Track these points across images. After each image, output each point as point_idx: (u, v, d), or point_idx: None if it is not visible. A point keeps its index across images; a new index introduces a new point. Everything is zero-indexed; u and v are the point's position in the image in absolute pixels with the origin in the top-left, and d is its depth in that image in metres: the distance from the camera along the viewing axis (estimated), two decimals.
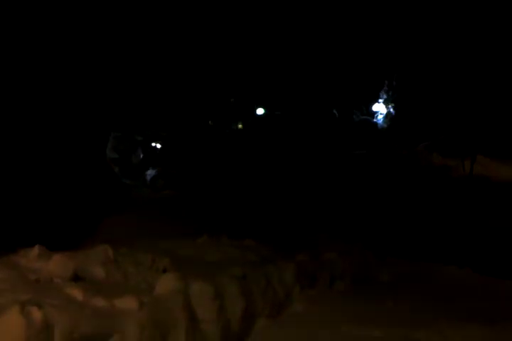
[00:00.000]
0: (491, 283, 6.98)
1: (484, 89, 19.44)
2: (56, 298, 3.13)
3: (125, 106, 15.91)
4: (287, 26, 21.09)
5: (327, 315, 5.09)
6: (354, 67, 21.42)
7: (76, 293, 3.27)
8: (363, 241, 8.84)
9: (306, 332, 4.59)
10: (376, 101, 23.05)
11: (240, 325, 4.30)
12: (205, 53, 20.44)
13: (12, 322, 2.65)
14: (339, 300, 5.78)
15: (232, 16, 20.20)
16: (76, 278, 3.66)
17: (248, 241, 6.69)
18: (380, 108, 23.06)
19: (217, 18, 19.73)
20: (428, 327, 4.66)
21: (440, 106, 20.04)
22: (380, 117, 23.07)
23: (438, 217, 12.84)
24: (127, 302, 3.33)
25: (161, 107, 19.80)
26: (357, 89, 22.28)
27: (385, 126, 22.83)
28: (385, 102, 22.89)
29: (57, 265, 3.68)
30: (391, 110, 22.90)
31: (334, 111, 23.35)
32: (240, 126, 25.39)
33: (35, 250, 3.89)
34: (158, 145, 20.93)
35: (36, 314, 2.76)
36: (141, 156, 19.95)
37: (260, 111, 24.66)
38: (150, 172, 18.89)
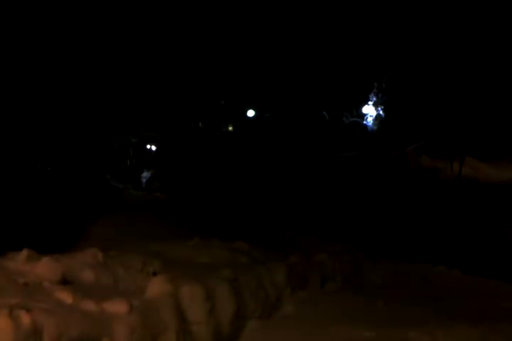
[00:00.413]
0: (480, 283, 7.04)
1: (473, 91, 19.63)
2: (45, 301, 3.10)
3: (118, 107, 15.87)
4: (278, 29, 21.16)
5: (318, 316, 5.10)
6: (344, 69, 21.54)
7: (65, 296, 3.24)
8: (354, 241, 8.88)
9: (297, 333, 4.59)
10: (366, 103, 23.20)
11: (230, 326, 4.29)
12: (195, 56, 20.44)
13: (0, 326, 2.63)
14: (330, 300, 5.79)
15: (221, 19, 20.24)
16: (65, 282, 3.63)
17: (239, 243, 6.68)
18: (369, 110, 23.21)
19: (206, 22, 19.75)
20: (418, 327, 4.69)
21: (429, 109, 20.21)
22: (370, 119, 23.21)
23: (427, 218, 12.94)
24: (117, 306, 3.31)
25: (153, 109, 19.79)
26: (347, 92, 22.40)
27: (375, 128, 22.97)
28: (375, 104, 23.04)
29: (45, 268, 3.64)
30: (380, 112, 23.05)
31: (324, 113, 23.45)
32: (230, 128, 25.40)
33: (24, 253, 3.85)
34: (153, 148, 21.00)
35: (24, 318, 2.73)
36: (134, 158, 19.98)
37: (251, 113, 24.68)
38: (145, 175, 18.86)
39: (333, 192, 15.54)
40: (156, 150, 21.12)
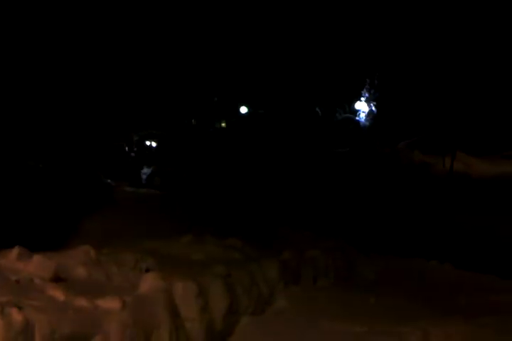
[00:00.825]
0: (472, 278, 7.09)
1: (464, 87, 19.72)
2: (37, 298, 3.09)
3: (117, 105, 15.86)
4: (270, 25, 21.14)
5: (311, 312, 5.12)
6: (336, 65, 21.56)
7: (57, 293, 3.23)
8: (347, 237, 8.91)
9: (290, 328, 4.61)
10: (358, 99, 23.24)
11: (224, 322, 4.31)
12: (188, 53, 20.39)
13: None
14: (323, 296, 5.81)
15: (214, 16, 20.19)
16: (57, 279, 3.61)
17: (232, 240, 6.68)
18: (362, 106, 23.25)
19: (199, 19, 19.70)
20: (410, 322, 4.72)
21: (421, 104, 20.28)
22: (362, 115, 23.26)
23: (419, 213, 13.01)
24: (110, 302, 3.30)
25: (151, 107, 19.86)
26: (339, 88, 22.43)
27: (367, 124, 23.03)
28: (367, 100, 23.09)
29: (37, 266, 3.63)
30: (373, 108, 23.10)
31: (317, 109, 23.47)
32: (223, 124, 25.36)
33: (15, 251, 3.83)
34: (153, 144, 21.19)
35: (16, 315, 2.72)
36: (135, 155, 20.13)
37: (244, 109, 24.64)
38: (145, 171, 18.91)
39: (326, 188, 15.58)
40: (156, 146, 21.39)
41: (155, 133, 21.33)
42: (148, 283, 3.80)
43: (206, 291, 4.22)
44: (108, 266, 4.30)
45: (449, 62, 19.60)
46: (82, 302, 3.22)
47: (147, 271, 4.42)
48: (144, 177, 18.64)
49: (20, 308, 2.79)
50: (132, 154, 20.28)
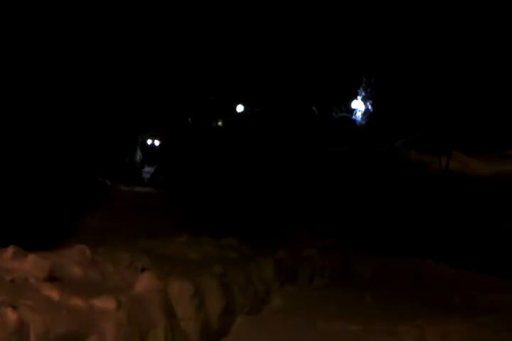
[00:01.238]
0: (468, 277, 7.11)
1: (460, 85, 19.76)
2: (31, 298, 3.08)
3: (119, 107, 15.88)
4: (267, 24, 21.12)
5: (307, 311, 5.12)
6: (333, 64, 21.56)
7: (52, 293, 3.21)
8: (343, 236, 8.91)
9: (286, 328, 4.61)
10: (355, 98, 23.23)
11: (219, 322, 4.30)
12: (184, 52, 20.37)
13: None
14: (319, 295, 5.82)
15: (210, 15, 20.17)
16: (52, 278, 3.60)
17: (229, 239, 6.67)
18: (358, 105, 23.25)
19: (195, 18, 19.69)
20: (406, 321, 4.72)
21: (417, 103, 20.31)
22: (359, 114, 23.27)
23: (415, 213, 13.03)
24: (105, 302, 3.29)
25: (152, 108, 19.93)
26: (336, 87, 22.44)
27: (364, 123, 23.04)
28: (364, 99, 23.08)
29: (32, 265, 3.61)
30: (369, 107, 23.10)
31: (313, 108, 23.47)
32: (220, 123, 25.33)
33: (10, 250, 3.81)
34: (156, 144, 21.37)
35: (11, 315, 2.71)
36: (140, 155, 20.27)
37: (240, 108, 24.62)
38: (148, 170, 18.95)
39: (323, 187, 15.59)
40: (158, 146, 21.60)
41: (156, 134, 21.53)
42: (144, 282, 3.79)
43: (202, 291, 4.21)
44: (103, 265, 4.28)
45: (446, 61, 19.63)
46: (77, 301, 3.20)
47: (143, 270, 4.41)
48: (147, 176, 18.70)
49: (14, 308, 2.78)
50: (140, 155, 20.43)
